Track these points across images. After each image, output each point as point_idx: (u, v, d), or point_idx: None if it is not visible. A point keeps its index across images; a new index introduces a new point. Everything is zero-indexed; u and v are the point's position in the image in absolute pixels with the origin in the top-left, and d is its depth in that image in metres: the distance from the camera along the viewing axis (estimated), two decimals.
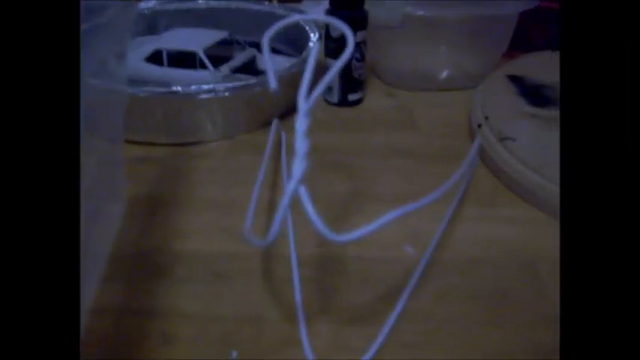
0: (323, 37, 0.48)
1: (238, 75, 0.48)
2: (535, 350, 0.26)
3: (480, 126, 0.42)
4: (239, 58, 0.50)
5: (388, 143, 0.44)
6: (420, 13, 0.47)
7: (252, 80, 0.43)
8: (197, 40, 0.48)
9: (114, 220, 0.33)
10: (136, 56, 0.48)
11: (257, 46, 0.52)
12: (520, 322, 0.28)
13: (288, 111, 0.46)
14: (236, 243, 0.33)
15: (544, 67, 0.49)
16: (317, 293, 0.30)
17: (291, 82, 0.39)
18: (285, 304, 0.29)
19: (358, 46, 0.47)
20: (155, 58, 0.48)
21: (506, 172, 0.38)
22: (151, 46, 0.49)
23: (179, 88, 0.40)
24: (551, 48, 0.52)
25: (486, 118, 0.42)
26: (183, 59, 0.47)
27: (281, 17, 0.32)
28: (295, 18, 0.31)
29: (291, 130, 0.24)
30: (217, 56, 0.49)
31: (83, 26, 0.19)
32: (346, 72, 0.48)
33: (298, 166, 0.22)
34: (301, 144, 0.22)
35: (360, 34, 0.47)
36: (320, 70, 0.30)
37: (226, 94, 0.41)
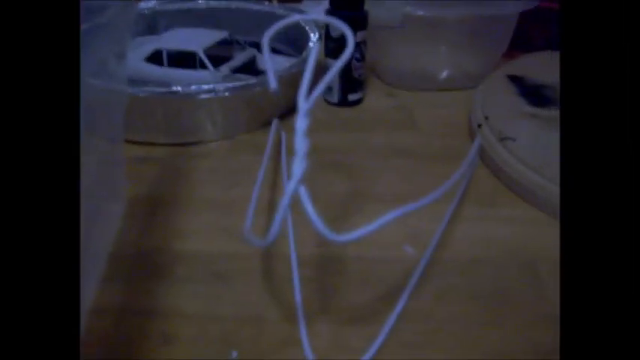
0: (323, 37, 0.48)
1: (238, 75, 0.48)
2: (535, 350, 0.26)
3: (479, 126, 0.42)
4: (239, 58, 0.50)
5: (388, 143, 0.44)
6: (420, 13, 0.47)
7: (252, 80, 0.43)
8: (197, 40, 0.48)
9: (114, 220, 0.33)
10: (136, 56, 0.48)
11: (257, 46, 0.52)
12: (520, 322, 0.28)
13: (288, 111, 0.46)
14: (236, 243, 0.33)
15: (544, 67, 0.49)
16: (317, 293, 0.30)
17: (291, 82, 0.39)
18: (285, 304, 0.29)
19: (358, 46, 0.47)
20: (155, 58, 0.48)
21: (506, 172, 0.38)
22: (150, 46, 0.49)
23: (179, 88, 0.40)
24: (551, 48, 0.52)
25: (486, 118, 0.42)
26: (183, 59, 0.47)
27: (281, 17, 0.33)
28: (295, 18, 0.31)
29: (291, 130, 0.24)
30: (217, 56, 0.49)
31: (83, 26, 0.19)
32: (346, 72, 0.48)
33: (298, 166, 0.22)
34: (301, 144, 0.22)
35: (360, 34, 0.47)
36: (320, 70, 0.30)
37: (226, 94, 0.41)
